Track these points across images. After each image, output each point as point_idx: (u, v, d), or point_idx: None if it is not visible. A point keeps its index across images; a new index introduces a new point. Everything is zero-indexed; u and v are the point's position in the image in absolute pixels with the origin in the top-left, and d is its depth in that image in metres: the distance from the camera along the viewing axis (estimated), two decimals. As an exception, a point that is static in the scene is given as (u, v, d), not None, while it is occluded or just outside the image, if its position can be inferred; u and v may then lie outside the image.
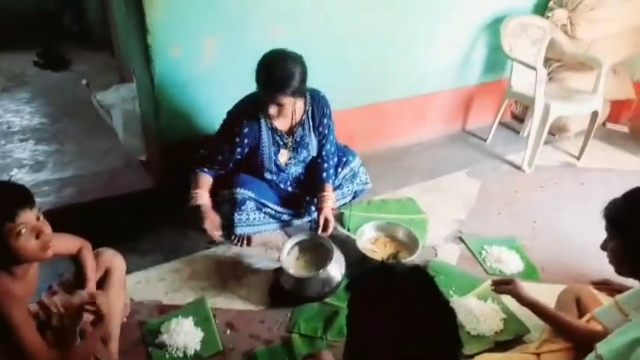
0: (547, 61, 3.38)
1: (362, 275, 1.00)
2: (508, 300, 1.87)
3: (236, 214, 2.15)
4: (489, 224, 2.56)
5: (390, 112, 3.15)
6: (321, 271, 1.95)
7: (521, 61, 3.06)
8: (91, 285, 1.57)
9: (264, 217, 2.28)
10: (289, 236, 2.25)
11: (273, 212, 2.28)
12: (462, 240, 2.42)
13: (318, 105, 2.21)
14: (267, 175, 2.24)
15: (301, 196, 2.36)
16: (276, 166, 2.22)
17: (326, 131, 2.26)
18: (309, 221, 2.41)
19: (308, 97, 2.17)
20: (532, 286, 1.88)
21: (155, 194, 2.56)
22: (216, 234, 2.11)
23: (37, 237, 1.29)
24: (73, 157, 2.90)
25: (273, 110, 2.01)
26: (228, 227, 2.23)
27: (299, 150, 2.23)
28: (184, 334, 1.77)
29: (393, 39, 2.92)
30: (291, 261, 2.08)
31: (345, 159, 2.42)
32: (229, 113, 2.14)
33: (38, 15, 4.82)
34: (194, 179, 2.14)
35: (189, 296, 2.01)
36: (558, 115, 3.00)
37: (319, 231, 2.15)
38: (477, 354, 1.69)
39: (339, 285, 1.99)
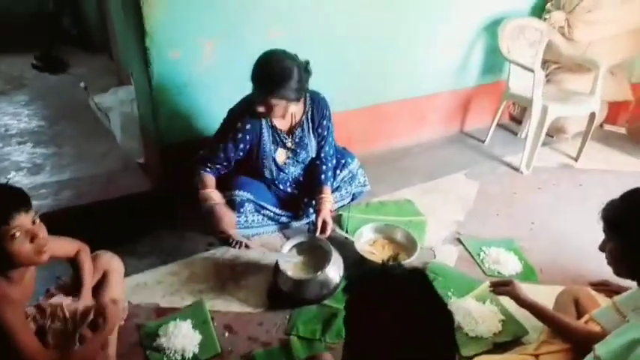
0: (545, 63, 3.39)
1: (360, 277, 1.00)
2: (506, 301, 1.87)
3: (235, 216, 2.15)
4: (488, 226, 2.56)
5: (388, 113, 3.15)
6: (319, 273, 1.94)
7: (518, 63, 3.07)
8: (88, 288, 1.57)
9: (262, 219, 2.28)
10: (287, 238, 2.25)
11: (271, 214, 2.28)
12: (460, 241, 2.42)
13: (317, 106, 2.21)
14: (267, 175, 2.24)
15: (300, 197, 2.36)
16: (276, 165, 2.22)
17: (325, 133, 2.27)
18: (308, 223, 2.41)
19: (308, 98, 2.18)
20: (530, 287, 1.88)
21: (153, 197, 2.56)
22: (235, 232, 2.10)
23: (32, 241, 1.28)
24: (70, 160, 2.90)
25: (261, 109, 2.01)
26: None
27: (298, 151, 2.24)
28: (182, 336, 1.77)
29: (392, 41, 2.92)
30: (289, 263, 2.08)
31: (343, 161, 2.42)
32: (231, 111, 2.15)
33: (37, 18, 4.81)
34: (200, 180, 2.13)
35: (187, 299, 2.00)
36: (556, 116, 3.01)
37: (317, 233, 2.16)
38: (476, 355, 1.69)
39: (338, 287, 1.98)
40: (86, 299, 1.55)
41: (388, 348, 0.86)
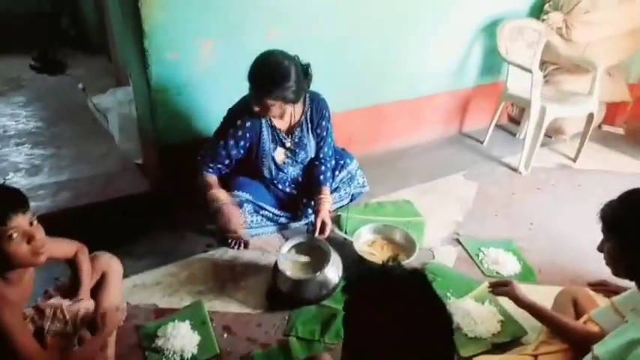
0: (543, 64, 3.40)
1: (360, 277, 1.00)
2: (505, 302, 1.87)
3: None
4: (486, 226, 2.56)
5: (387, 114, 3.16)
6: (318, 273, 1.94)
7: (517, 64, 3.07)
8: (86, 288, 1.57)
9: (261, 220, 2.28)
10: (286, 239, 2.25)
11: (270, 215, 2.28)
12: (459, 242, 2.42)
13: (317, 107, 2.21)
14: (266, 174, 2.24)
15: (299, 198, 2.36)
16: (275, 164, 2.22)
17: (324, 134, 2.27)
18: (307, 224, 2.41)
19: (307, 98, 2.18)
20: (529, 287, 1.88)
21: (152, 197, 2.56)
22: (243, 232, 2.10)
23: (29, 242, 1.28)
24: (69, 161, 2.89)
25: (257, 109, 2.02)
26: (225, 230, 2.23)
27: (297, 151, 2.24)
28: (181, 337, 1.77)
29: (391, 41, 2.93)
30: (288, 264, 2.08)
31: (342, 162, 2.42)
32: (230, 110, 2.15)
33: (35, 18, 4.81)
34: (204, 181, 2.12)
35: (185, 300, 2.00)
36: (554, 117, 3.02)
37: (316, 233, 2.16)
38: (475, 356, 1.69)
39: (337, 287, 1.98)
40: (85, 299, 1.54)
41: (387, 349, 0.86)
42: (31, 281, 1.44)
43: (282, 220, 2.35)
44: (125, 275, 1.85)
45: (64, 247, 1.58)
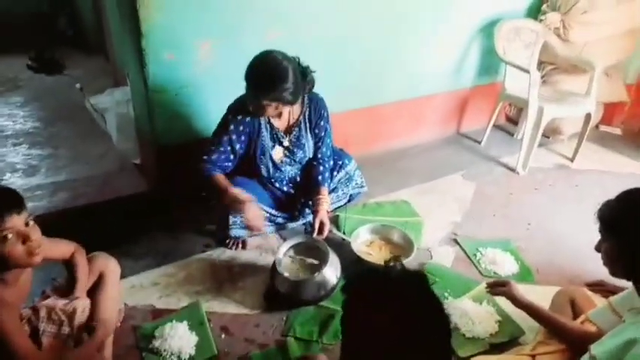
0: (540, 64, 3.40)
1: (359, 277, 1.00)
2: (503, 302, 1.87)
3: (231, 216, 2.15)
4: (484, 226, 2.56)
5: (385, 114, 3.16)
6: (316, 274, 1.94)
7: (514, 64, 3.08)
8: (82, 286, 1.56)
9: (258, 220, 2.27)
10: (284, 239, 2.25)
11: (267, 215, 2.28)
12: (456, 242, 2.42)
13: (315, 107, 2.21)
14: (264, 173, 2.24)
15: (296, 198, 2.36)
16: (272, 162, 2.22)
17: (322, 134, 2.27)
18: (304, 224, 2.41)
19: (306, 98, 2.18)
20: (527, 287, 1.89)
21: (149, 198, 2.55)
22: (265, 229, 2.10)
23: (24, 242, 1.27)
24: (66, 161, 2.89)
25: (253, 108, 2.02)
26: (222, 229, 2.23)
27: (295, 150, 2.24)
28: (179, 338, 1.76)
29: (390, 42, 2.92)
30: (286, 264, 2.07)
31: (340, 162, 2.42)
32: (230, 107, 2.14)
33: (33, 19, 4.80)
34: (214, 181, 2.08)
35: (183, 300, 1.99)
36: (552, 117, 3.02)
37: (315, 234, 2.15)
38: (472, 356, 1.69)
39: (335, 288, 1.98)
40: (81, 298, 1.54)
41: (385, 349, 0.86)
42: (28, 282, 1.43)
43: (280, 220, 2.35)
44: (122, 276, 1.85)
45: (60, 248, 1.57)
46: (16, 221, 1.25)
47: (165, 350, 1.73)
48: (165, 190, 2.51)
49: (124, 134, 3.03)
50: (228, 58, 2.38)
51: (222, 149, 2.10)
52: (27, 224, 1.29)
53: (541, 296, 1.78)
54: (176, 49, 2.26)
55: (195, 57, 2.32)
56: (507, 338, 1.85)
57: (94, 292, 1.63)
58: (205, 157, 2.11)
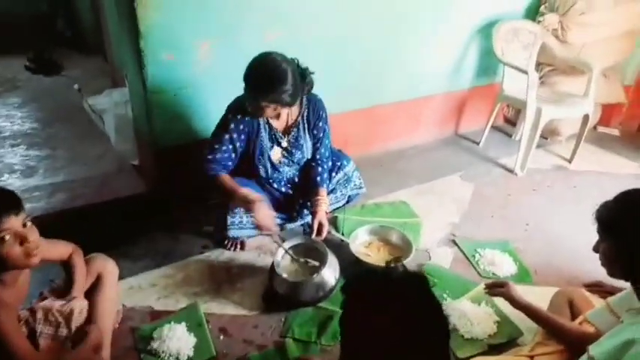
0: (539, 65, 3.41)
1: (359, 278, 1.00)
2: (501, 303, 1.87)
3: (229, 217, 2.15)
4: (483, 227, 2.57)
5: (384, 115, 3.16)
6: (315, 275, 1.94)
7: (513, 66, 3.08)
8: (79, 286, 1.56)
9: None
10: (283, 240, 2.24)
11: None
12: (455, 243, 2.42)
13: (314, 108, 2.21)
14: (262, 173, 2.24)
15: (295, 198, 2.36)
16: (270, 163, 2.22)
17: (321, 135, 2.27)
18: (303, 225, 2.41)
19: (304, 99, 2.18)
20: (525, 288, 1.89)
21: (148, 199, 2.55)
22: (272, 225, 2.08)
23: (22, 244, 1.27)
24: (64, 162, 2.88)
25: (252, 109, 2.02)
26: (220, 230, 2.22)
27: (293, 151, 2.24)
28: (177, 339, 1.76)
29: (389, 42, 2.93)
30: (285, 265, 2.07)
31: (339, 163, 2.42)
32: (229, 106, 2.14)
33: (30, 19, 4.80)
34: (221, 181, 2.08)
35: (181, 302, 1.99)
36: (550, 118, 3.03)
37: (313, 235, 2.15)
38: (471, 357, 1.70)
39: (333, 289, 1.98)
40: (78, 298, 1.54)
41: (385, 350, 0.86)
42: (26, 283, 1.43)
43: (278, 221, 2.34)
44: (121, 277, 1.85)
45: (58, 249, 1.57)
46: (14, 222, 1.25)
47: (163, 352, 1.73)
48: (164, 191, 2.51)
49: (122, 135, 3.03)
50: (227, 59, 2.38)
51: (224, 148, 2.10)
52: (25, 225, 1.29)
53: (539, 297, 1.78)
54: (175, 50, 2.25)
55: (194, 57, 2.32)
56: (506, 339, 1.85)
57: (92, 294, 1.62)
58: (209, 157, 2.10)
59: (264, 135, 2.16)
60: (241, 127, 2.10)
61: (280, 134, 2.19)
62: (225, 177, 2.10)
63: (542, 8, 3.35)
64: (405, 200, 2.74)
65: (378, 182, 2.83)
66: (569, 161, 3.28)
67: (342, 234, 2.37)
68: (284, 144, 2.22)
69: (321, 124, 2.25)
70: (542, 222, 2.63)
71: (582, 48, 3.26)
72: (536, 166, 3.17)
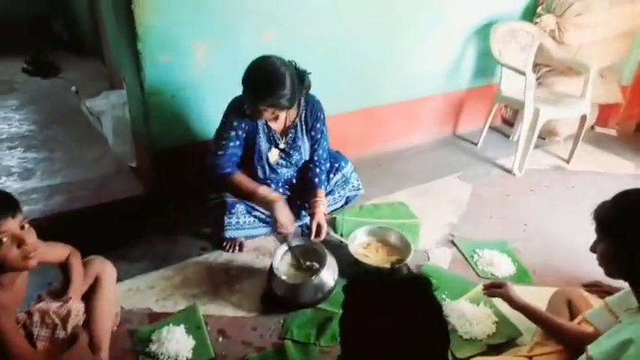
0: (536, 66, 3.42)
1: (360, 278, 1.00)
2: (500, 303, 1.87)
3: (226, 218, 2.15)
4: (481, 228, 2.57)
5: (382, 116, 3.16)
6: (313, 277, 1.94)
7: (510, 67, 3.09)
8: (76, 288, 1.55)
9: (254, 221, 2.26)
10: (282, 242, 2.24)
11: (263, 216, 2.27)
12: (453, 244, 2.42)
13: (312, 109, 2.21)
14: (260, 174, 2.23)
15: (293, 200, 2.35)
16: (268, 164, 2.22)
17: (318, 136, 2.27)
18: (301, 226, 2.40)
19: (302, 100, 2.18)
20: (524, 289, 1.89)
21: (145, 201, 2.54)
22: (291, 227, 2.09)
23: (19, 246, 1.27)
24: (62, 165, 2.88)
25: (250, 112, 2.03)
26: (217, 231, 2.22)
27: (291, 152, 2.24)
28: (176, 342, 1.75)
29: (386, 43, 2.93)
30: (283, 267, 2.07)
31: (337, 165, 2.42)
32: (230, 105, 2.14)
33: (28, 21, 4.79)
34: (238, 180, 2.09)
35: (180, 304, 1.99)
36: (548, 119, 3.03)
37: (312, 236, 2.15)
38: (470, 357, 1.70)
39: (332, 291, 1.98)
40: (75, 298, 1.53)
41: (385, 350, 0.86)
42: (24, 286, 1.43)
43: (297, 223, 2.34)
44: (119, 279, 1.85)
45: (56, 251, 1.57)
46: (11, 225, 1.25)
47: (162, 354, 1.72)
48: (162, 193, 2.51)
49: (120, 137, 3.03)
50: (224, 61, 2.38)
51: (231, 144, 2.11)
52: (22, 228, 1.28)
53: (538, 297, 1.79)
54: (172, 52, 2.25)
55: (191, 59, 2.32)
56: (505, 339, 1.85)
57: (90, 296, 1.62)
58: (220, 152, 2.10)
59: (262, 136, 2.16)
60: (243, 125, 2.10)
61: (278, 136, 2.19)
62: (241, 176, 2.11)
63: (539, 9, 3.36)
64: (403, 201, 2.74)
65: (376, 183, 2.83)
66: (567, 161, 3.29)
67: (341, 235, 2.37)
68: (282, 145, 2.22)
69: (318, 125, 2.25)
70: (541, 222, 2.63)
71: (579, 49, 3.27)
72: (534, 166, 3.18)
